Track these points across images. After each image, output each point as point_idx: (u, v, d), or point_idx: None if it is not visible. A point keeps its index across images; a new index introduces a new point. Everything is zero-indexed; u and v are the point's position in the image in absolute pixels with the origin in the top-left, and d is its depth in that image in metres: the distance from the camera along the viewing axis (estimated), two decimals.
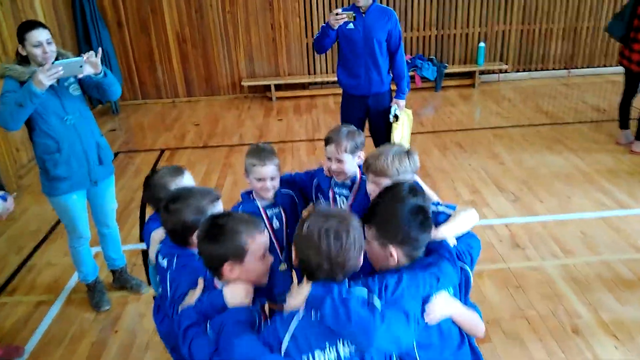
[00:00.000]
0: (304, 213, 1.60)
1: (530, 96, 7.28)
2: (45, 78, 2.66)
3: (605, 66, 8.03)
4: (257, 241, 1.64)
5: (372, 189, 2.11)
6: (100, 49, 2.93)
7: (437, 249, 1.69)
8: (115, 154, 5.87)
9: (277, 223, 2.48)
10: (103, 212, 3.31)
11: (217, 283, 1.67)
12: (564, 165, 5.03)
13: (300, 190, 2.58)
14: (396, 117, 4.06)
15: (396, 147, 2.13)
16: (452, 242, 1.76)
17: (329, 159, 2.38)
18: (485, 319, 3.08)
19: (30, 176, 5.29)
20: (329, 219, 1.50)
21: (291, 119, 6.92)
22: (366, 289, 1.51)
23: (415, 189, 1.81)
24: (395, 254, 1.63)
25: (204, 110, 7.46)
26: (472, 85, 7.77)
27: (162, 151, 5.98)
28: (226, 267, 1.61)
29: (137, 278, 3.59)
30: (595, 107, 6.65)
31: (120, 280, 3.55)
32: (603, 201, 4.34)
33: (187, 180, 2.25)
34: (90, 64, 2.82)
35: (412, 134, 4.29)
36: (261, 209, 2.44)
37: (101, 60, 2.87)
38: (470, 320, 1.73)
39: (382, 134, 4.20)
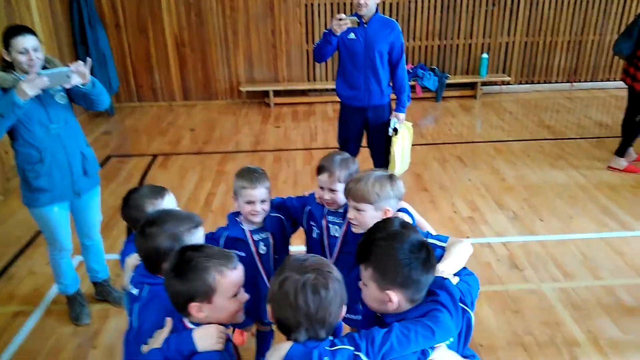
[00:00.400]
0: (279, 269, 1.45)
1: (532, 109, 7.15)
2: (29, 88, 2.55)
3: (609, 80, 7.91)
4: (228, 279, 1.50)
5: (354, 216, 1.99)
6: (89, 59, 2.81)
7: (437, 291, 1.54)
8: (107, 158, 5.80)
9: (264, 248, 2.37)
10: (86, 224, 3.18)
11: (188, 322, 1.54)
12: (566, 182, 4.89)
13: (290, 215, 2.46)
14: (395, 130, 3.93)
15: (379, 171, 2.01)
16: (453, 280, 1.63)
17: (322, 188, 2.25)
18: (482, 344, 2.98)
19: (18, 179, 5.15)
20: (305, 272, 1.37)
21: (289, 126, 6.80)
22: (352, 347, 1.37)
23: (406, 225, 1.68)
24: (396, 299, 1.48)
25: (201, 114, 7.34)
26: (474, 97, 7.65)
27: (155, 156, 5.86)
28: (193, 307, 1.48)
29: (119, 291, 3.45)
30: (599, 122, 6.53)
31: (103, 292, 3.41)
32: (605, 222, 4.21)
33: (167, 203, 2.11)
34: (78, 74, 2.70)
35: (411, 145, 4.17)
36: (247, 233, 2.33)
37: (94, 64, 2.75)
38: None
39: (380, 147, 4.08)
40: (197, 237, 1.76)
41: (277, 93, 7.63)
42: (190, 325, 1.52)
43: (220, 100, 7.78)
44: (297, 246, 2.67)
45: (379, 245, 1.51)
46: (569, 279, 3.53)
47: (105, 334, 3.16)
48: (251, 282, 2.32)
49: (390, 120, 3.99)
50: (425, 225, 2.05)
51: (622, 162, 5.06)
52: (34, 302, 3.44)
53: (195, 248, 1.54)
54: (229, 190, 4.96)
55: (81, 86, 2.76)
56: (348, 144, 4.13)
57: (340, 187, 2.20)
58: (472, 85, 7.71)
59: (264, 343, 2.70)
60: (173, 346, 1.47)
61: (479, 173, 5.15)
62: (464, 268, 1.76)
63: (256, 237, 2.33)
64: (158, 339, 1.51)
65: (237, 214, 2.35)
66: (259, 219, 2.29)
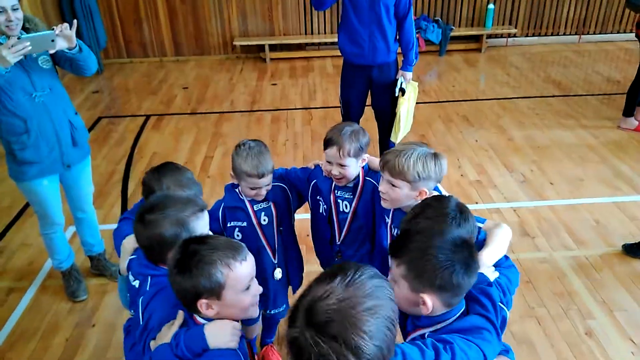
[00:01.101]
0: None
1: (539, 64, 6.89)
2: (10, 55, 2.31)
3: (619, 32, 7.61)
4: (237, 272, 1.35)
5: (385, 190, 1.82)
6: (75, 21, 2.55)
7: (482, 299, 1.37)
8: (98, 119, 5.56)
9: (266, 218, 2.18)
10: (78, 197, 3.01)
11: (198, 318, 1.40)
12: (576, 143, 4.72)
13: (294, 187, 2.28)
14: (402, 91, 3.71)
15: (422, 147, 1.81)
16: (492, 275, 1.48)
17: (330, 162, 2.07)
18: None
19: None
20: (325, 334, 0.99)
21: (286, 83, 6.53)
22: None
23: (463, 209, 1.51)
24: (430, 303, 1.31)
25: (193, 71, 7.04)
26: (479, 50, 7.36)
27: (148, 117, 5.62)
28: (201, 304, 1.34)
29: (116, 264, 3.30)
30: (608, 78, 6.30)
31: (99, 267, 3.28)
32: (617, 185, 4.07)
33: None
34: (63, 38, 2.45)
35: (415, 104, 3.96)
36: (247, 203, 2.15)
37: (79, 18, 2.50)
38: None
39: (385, 108, 3.87)
40: (203, 221, 1.61)
41: (273, 47, 7.30)
42: (202, 321, 1.39)
43: (213, 56, 7.45)
44: (301, 214, 2.52)
45: (417, 240, 1.33)
46: (582, 246, 3.42)
47: (104, 311, 3.05)
48: (255, 255, 2.18)
49: (396, 80, 3.77)
50: None
51: (633, 122, 4.88)
52: (28, 278, 3.31)
53: (199, 240, 1.38)
54: (226, 153, 4.78)
55: (67, 51, 2.52)
56: (351, 104, 3.92)
57: (350, 161, 2.04)
58: (477, 38, 7.40)
59: (270, 326, 2.58)
60: (183, 343, 1.34)
61: (485, 133, 4.97)
62: (506, 257, 1.62)
63: (256, 207, 2.16)
64: (167, 334, 1.38)
65: (236, 185, 2.17)
66: (262, 197, 2.13)
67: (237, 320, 1.44)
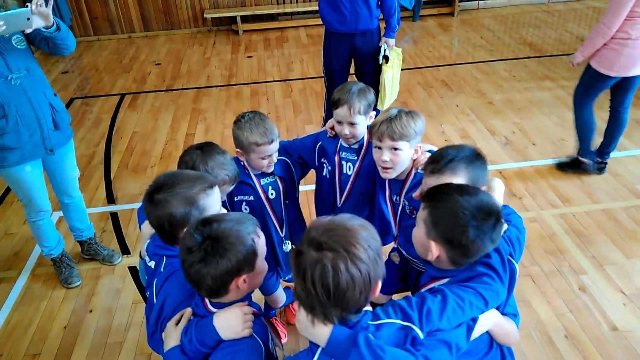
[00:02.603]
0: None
1: (511, 25, 6.92)
2: None
3: None
4: (262, 237, 1.37)
5: (389, 158, 1.86)
6: None
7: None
8: (70, 101, 5.37)
9: (273, 192, 2.18)
10: (63, 182, 2.91)
11: (210, 305, 1.37)
12: (555, 103, 4.79)
13: (298, 158, 2.26)
14: (386, 58, 3.68)
15: (396, 108, 1.90)
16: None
17: (340, 122, 2.08)
18: None
19: None
20: (322, 248, 1.13)
21: (261, 55, 6.41)
22: (401, 320, 1.23)
23: (480, 155, 1.62)
24: (436, 253, 1.37)
25: (165, 47, 6.84)
26: (452, 14, 7.34)
27: (122, 96, 5.45)
28: (239, 281, 1.31)
29: (108, 248, 3.25)
30: (580, 37, 6.37)
31: (90, 251, 3.21)
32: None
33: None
34: (39, 16, 2.32)
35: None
36: (254, 177, 2.13)
37: (53, 8, 2.37)
38: (507, 333, 1.48)
39: (369, 76, 3.84)
40: (214, 198, 1.54)
41: (245, 19, 7.14)
42: (213, 309, 1.36)
43: (183, 30, 7.24)
44: (303, 186, 2.51)
45: (447, 192, 1.38)
46: (568, 204, 3.50)
47: (100, 295, 3.00)
48: (262, 229, 2.16)
49: (380, 47, 3.73)
50: None
51: None
52: (16, 267, 3.23)
53: (217, 219, 1.34)
54: (208, 129, 4.69)
55: (44, 30, 2.40)
56: (334, 74, 3.87)
57: (360, 119, 2.07)
58: (449, 2, 7.37)
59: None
60: (195, 339, 1.31)
61: (465, 97, 5.00)
62: (505, 206, 1.64)
63: (263, 181, 2.15)
64: (174, 334, 1.35)
65: (237, 159, 2.13)
66: (272, 169, 2.11)
67: (249, 300, 1.42)
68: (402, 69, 3.85)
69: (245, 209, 2.15)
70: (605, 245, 3.14)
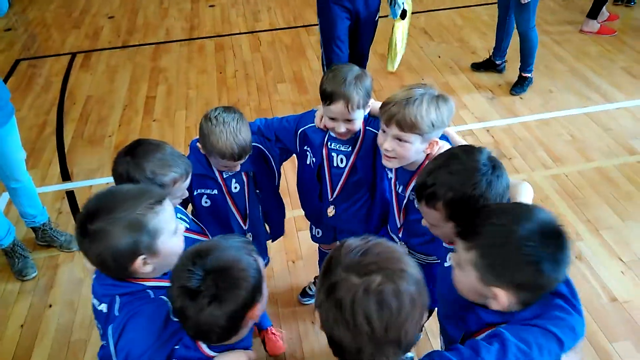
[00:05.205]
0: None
1: None
2: None
3: None
4: (259, 258, 1.13)
5: (392, 148, 1.53)
6: None
7: None
8: (16, 63, 4.88)
9: (237, 186, 1.89)
10: (8, 166, 2.57)
11: (205, 347, 1.11)
12: (541, 52, 4.50)
13: (277, 140, 1.95)
14: (404, 12, 3.22)
15: (428, 90, 1.50)
16: None
17: (333, 119, 1.72)
18: None
19: None
20: (366, 272, 0.93)
21: (225, 4, 5.91)
22: None
23: (497, 164, 1.28)
24: (505, 300, 1.07)
25: None
26: None
27: (74, 55, 4.96)
28: (250, 316, 1.09)
29: (66, 233, 2.95)
30: None
31: (45, 238, 2.90)
32: (587, 94, 3.95)
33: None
34: None
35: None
36: (216, 172, 1.83)
37: None
38: None
39: (367, 43, 3.42)
40: (167, 214, 1.23)
41: None
42: (210, 352, 1.11)
43: None
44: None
45: (496, 222, 1.08)
46: (560, 163, 3.32)
47: (60, 287, 2.72)
48: (224, 223, 1.92)
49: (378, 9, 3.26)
50: None
51: (596, 25, 4.71)
52: None
53: (208, 248, 1.07)
54: (170, 91, 4.31)
55: None
56: (337, 47, 3.30)
57: (359, 114, 1.71)
58: None
59: None
60: None
61: (447, 47, 4.69)
62: None
63: (225, 174, 1.85)
64: None
65: (197, 149, 1.82)
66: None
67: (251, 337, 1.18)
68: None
69: (206, 203, 1.87)
70: (600, 208, 2.98)
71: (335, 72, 1.70)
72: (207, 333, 1.06)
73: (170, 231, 1.22)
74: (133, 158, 1.47)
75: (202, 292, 1.01)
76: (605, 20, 4.84)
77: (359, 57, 3.43)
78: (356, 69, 1.71)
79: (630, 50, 4.48)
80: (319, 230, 2.19)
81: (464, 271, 1.12)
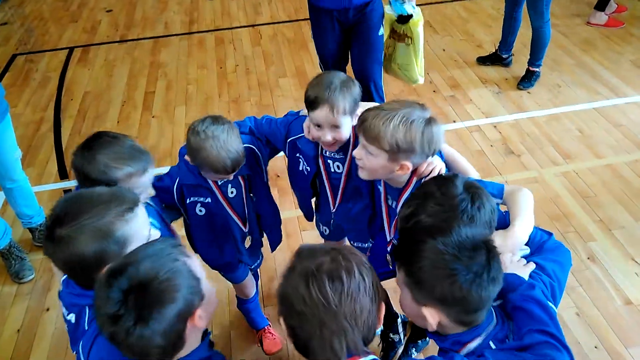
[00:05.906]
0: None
1: None
2: None
3: None
4: (191, 256, 1.07)
5: (360, 156, 1.47)
6: None
7: (536, 311, 1.09)
8: (12, 58, 4.79)
9: (234, 191, 1.83)
10: (3, 165, 2.50)
11: None
12: (548, 45, 4.43)
13: (267, 141, 1.88)
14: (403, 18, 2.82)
15: (413, 109, 1.40)
16: (525, 270, 1.20)
17: (318, 126, 1.63)
18: None
19: None
20: (317, 255, 0.96)
21: None
22: None
23: (475, 194, 1.20)
24: (433, 320, 1.07)
25: None
26: None
27: (71, 50, 4.87)
28: (192, 324, 1.02)
29: None
30: None
31: (43, 239, 2.82)
32: (596, 88, 3.86)
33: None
34: None
35: None
36: (209, 181, 1.76)
37: None
38: None
39: (373, 58, 2.95)
40: (138, 222, 1.17)
41: None
42: None
43: None
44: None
45: (414, 240, 1.09)
46: (569, 160, 3.23)
47: (58, 290, 2.64)
48: (224, 229, 1.87)
49: (381, 25, 2.88)
50: (473, 173, 1.56)
51: (603, 17, 4.62)
52: None
53: (125, 263, 0.99)
54: (169, 86, 4.22)
55: None
56: (328, 63, 3.07)
57: (345, 120, 1.61)
58: None
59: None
60: None
61: (452, 41, 4.60)
62: (548, 234, 1.34)
63: (220, 181, 1.77)
64: None
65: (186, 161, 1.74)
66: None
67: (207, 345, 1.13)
68: None
69: (201, 211, 1.80)
70: (612, 207, 2.90)
71: (320, 78, 1.63)
72: (147, 355, 0.98)
73: (141, 239, 1.15)
74: (89, 151, 1.40)
75: (123, 316, 0.94)
76: (613, 12, 4.74)
77: (362, 81, 2.91)
78: (342, 74, 1.64)
79: (638, 42, 4.38)
80: (325, 227, 2.13)
81: (403, 292, 1.12)
